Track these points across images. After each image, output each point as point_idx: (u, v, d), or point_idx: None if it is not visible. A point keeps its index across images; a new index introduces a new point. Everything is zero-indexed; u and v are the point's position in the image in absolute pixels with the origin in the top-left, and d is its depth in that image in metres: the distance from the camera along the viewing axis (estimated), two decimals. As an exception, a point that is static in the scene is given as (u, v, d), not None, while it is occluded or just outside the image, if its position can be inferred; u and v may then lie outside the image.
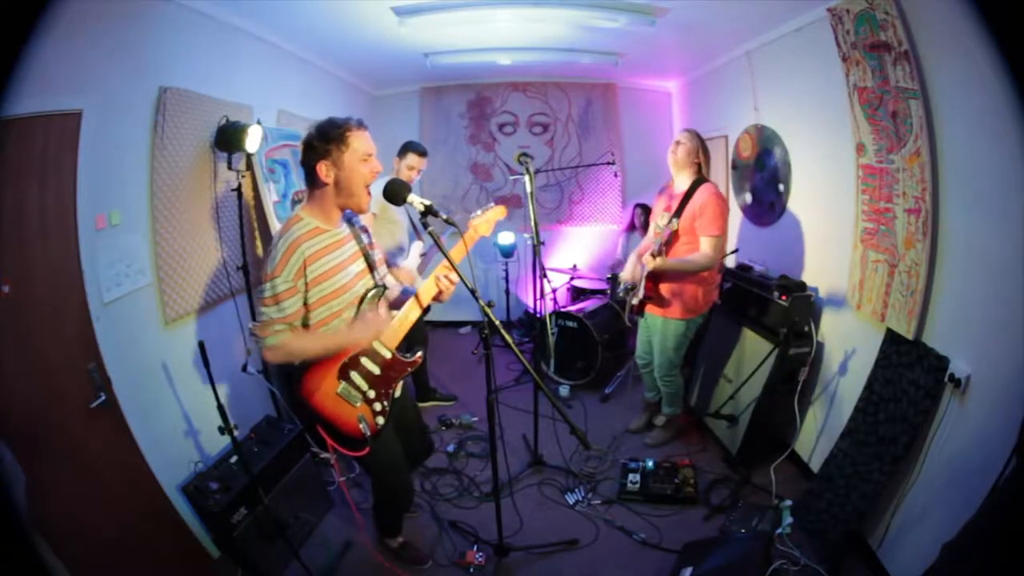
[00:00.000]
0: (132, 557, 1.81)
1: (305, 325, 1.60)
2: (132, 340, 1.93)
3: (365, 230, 1.80)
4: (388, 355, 1.69)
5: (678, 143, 2.63)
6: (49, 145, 1.61)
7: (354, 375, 1.65)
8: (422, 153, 2.93)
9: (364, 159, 1.57)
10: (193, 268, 2.25)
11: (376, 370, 1.68)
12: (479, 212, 1.82)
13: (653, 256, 2.48)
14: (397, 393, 1.89)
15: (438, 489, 2.66)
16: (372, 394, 1.67)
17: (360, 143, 1.56)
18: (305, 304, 1.56)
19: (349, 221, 1.73)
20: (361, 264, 1.71)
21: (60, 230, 1.68)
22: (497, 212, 1.86)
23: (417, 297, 1.72)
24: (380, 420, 1.70)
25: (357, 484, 2.63)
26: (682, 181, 2.62)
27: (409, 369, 1.76)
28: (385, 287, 1.78)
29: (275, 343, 1.52)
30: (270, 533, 2.05)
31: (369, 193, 1.63)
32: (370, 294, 1.69)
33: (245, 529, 1.99)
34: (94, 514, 1.70)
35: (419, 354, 1.79)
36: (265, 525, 2.04)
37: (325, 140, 1.53)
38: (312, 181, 1.58)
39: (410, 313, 1.72)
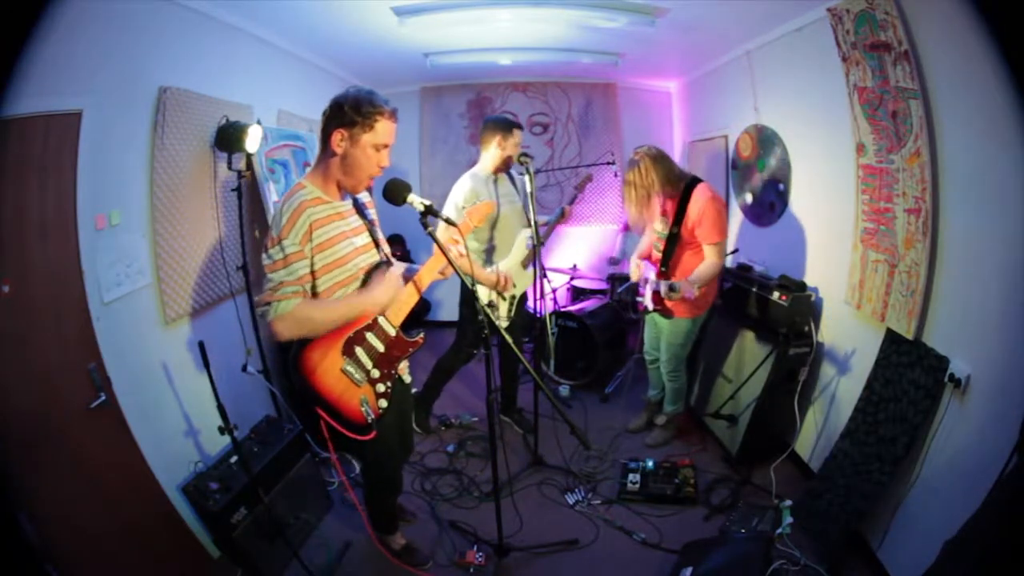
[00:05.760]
0: (132, 557, 1.81)
1: (313, 295, 1.56)
2: (132, 340, 1.93)
3: (367, 206, 1.77)
4: (393, 332, 1.67)
5: (631, 185, 2.40)
6: (49, 145, 1.61)
7: (359, 351, 1.60)
8: (520, 126, 2.67)
9: (378, 148, 1.53)
10: (193, 268, 2.25)
11: (381, 347, 1.64)
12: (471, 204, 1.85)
13: (672, 290, 2.32)
14: (407, 378, 1.90)
15: (438, 489, 2.66)
16: (376, 374, 1.63)
17: (384, 131, 1.52)
18: (311, 271, 1.51)
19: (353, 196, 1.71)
20: (366, 238, 1.68)
21: (60, 230, 1.67)
22: (486, 206, 1.87)
23: (415, 281, 1.70)
24: (383, 403, 1.66)
25: (358, 484, 2.63)
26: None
27: (411, 349, 1.73)
28: (390, 262, 1.76)
29: (286, 310, 1.44)
30: (270, 533, 2.05)
31: (371, 182, 1.62)
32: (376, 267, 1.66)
33: (245, 529, 1.99)
34: (94, 514, 1.70)
35: (421, 335, 1.77)
36: (265, 525, 2.04)
37: (356, 111, 1.47)
38: (324, 145, 1.54)
39: (411, 297, 1.70)
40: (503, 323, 2.72)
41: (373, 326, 1.63)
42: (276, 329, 1.46)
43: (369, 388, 1.63)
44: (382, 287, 1.59)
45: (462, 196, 2.55)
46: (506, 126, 2.60)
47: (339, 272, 1.56)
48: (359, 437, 1.61)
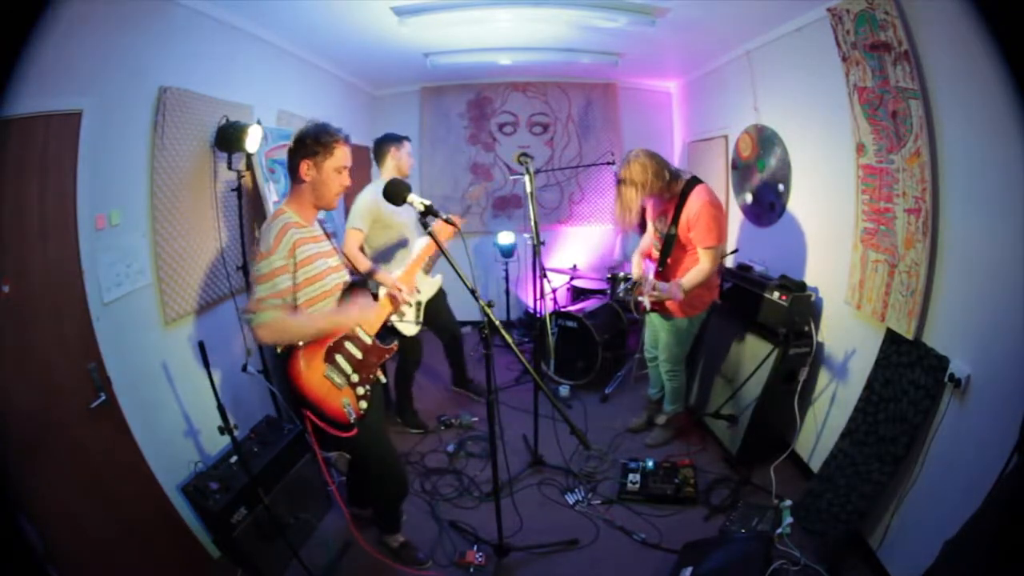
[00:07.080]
0: (132, 557, 1.81)
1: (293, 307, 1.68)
2: (132, 340, 1.93)
3: (332, 235, 1.93)
4: (369, 341, 1.86)
5: (623, 184, 2.40)
6: (49, 145, 1.61)
7: (339, 358, 1.76)
8: (408, 138, 2.97)
9: (339, 170, 1.71)
10: (193, 268, 2.25)
11: (359, 354, 1.82)
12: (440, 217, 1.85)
13: (654, 290, 2.42)
14: (382, 379, 2.04)
15: (438, 489, 2.66)
16: (356, 378, 1.80)
17: (341, 155, 1.71)
18: (293, 284, 1.64)
19: (320, 223, 1.87)
20: (336, 259, 1.85)
21: (60, 230, 1.67)
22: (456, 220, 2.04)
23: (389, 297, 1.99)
24: (363, 404, 1.82)
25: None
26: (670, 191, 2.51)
27: (386, 355, 1.93)
28: (354, 282, 1.92)
29: (268, 319, 1.57)
30: (270, 533, 2.05)
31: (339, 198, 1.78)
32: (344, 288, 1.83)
33: (245, 529, 1.99)
34: (94, 514, 1.70)
35: (395, 343, 1.96)
36: (265, 525, 2.03)
37: (317, 141, 1.66)
38: (294, 176, 1.71)
39: (383, 310, 1.94)
40: (412, 328, 2.92)
41: (352, 336, 1.81)
42: (258, 335, 1.60)
43: (350, 391, 1.79)
44: (355, 309, 1.78)
45: (364, 206, 2.70)
46: (396, 139, 2.86)
47: (317, 287, 1.72)
48: (342, 433, 1.77)
